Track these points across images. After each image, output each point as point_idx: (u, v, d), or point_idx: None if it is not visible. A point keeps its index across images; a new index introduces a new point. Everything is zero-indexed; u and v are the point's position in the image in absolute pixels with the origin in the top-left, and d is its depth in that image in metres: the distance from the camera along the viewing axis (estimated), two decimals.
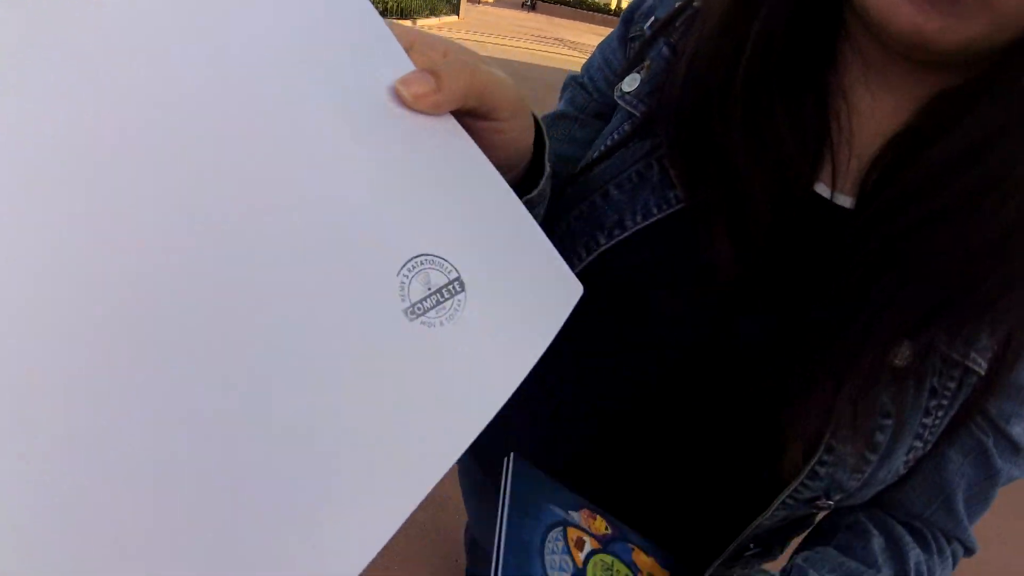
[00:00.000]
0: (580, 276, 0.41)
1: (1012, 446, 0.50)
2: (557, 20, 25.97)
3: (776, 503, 0.50)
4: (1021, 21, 0.38)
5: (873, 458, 0.47)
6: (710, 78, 0.48)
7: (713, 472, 0.54)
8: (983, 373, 0.45)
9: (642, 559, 0.55)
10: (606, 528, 0.55)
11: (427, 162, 0.34)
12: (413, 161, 0.33)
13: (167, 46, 0.26)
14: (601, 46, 0.62)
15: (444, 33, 16.07)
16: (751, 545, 0.56)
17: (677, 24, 0.53)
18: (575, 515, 0.53)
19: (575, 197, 0.55)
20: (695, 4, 0.53)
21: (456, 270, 0.34)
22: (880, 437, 0.46)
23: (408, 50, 0.34)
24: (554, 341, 0.39)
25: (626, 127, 0.54)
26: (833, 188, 0.47)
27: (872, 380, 0.44)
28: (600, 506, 0.55)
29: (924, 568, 0.53)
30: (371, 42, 0.32)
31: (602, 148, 0.55)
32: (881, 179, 0.46)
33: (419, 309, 0.32)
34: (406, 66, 0.33)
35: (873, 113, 0.47)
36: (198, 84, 0.27)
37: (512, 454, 0.52)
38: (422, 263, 0.33)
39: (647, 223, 0.50)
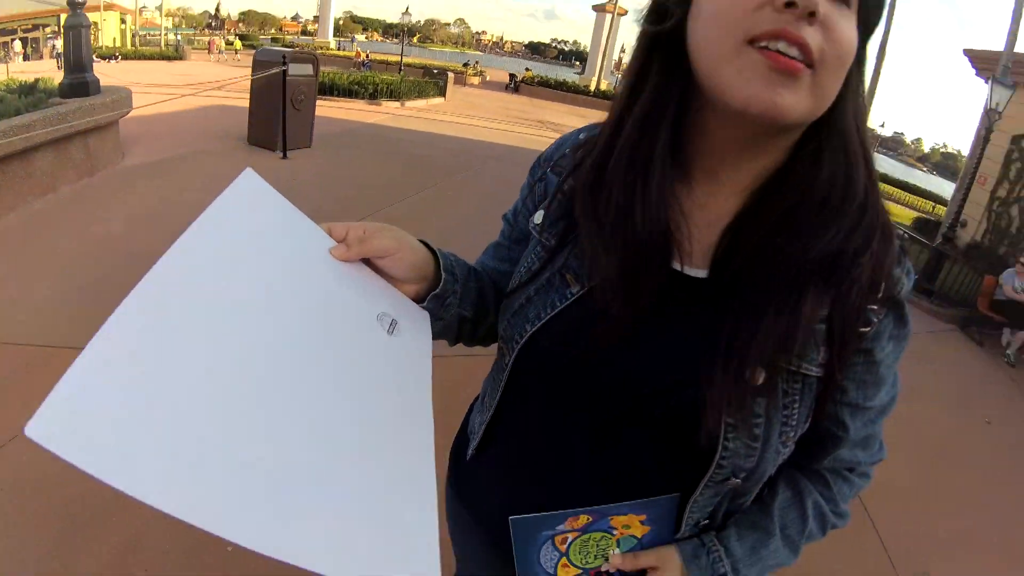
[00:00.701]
0: (521, 351, 0.77)
1: (855, 407, 0.77)
2: (539, 102, 26.90)
3: (700, 486, 0.73)
4: (827, 104, 0.62)
5: (756, 445, 0.69)
6: (587, 197, 0.72)
7: (655, 470, 0.76)
8: (819, 376, 0.69)
9: (619, 520, 0.75)
10: (587, 519, 0.76)
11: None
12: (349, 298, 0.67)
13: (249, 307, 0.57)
14: (521, 189, 0.91)
15: (431, 114, 16.60)
16: (699, 519, 0.79)
17: (570, 164, 0.80)
18: (561, 526, 0.76)
19: (512, 303, 0.81)
20: (581, 137, 0.82)
21: None
22: (757, 431, 0.69)
23: (329, 233, 0.72)
24: (518, 404, 0.83)
25: (540, 251, 0.80)
26: (683, 264, 0.70)
27: (743, 396, 0.66)
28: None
29: (820, 507, 0.83)
30: (319, 238, 0.69)
31: (522, 272, 0.82)
32: (724, 255, 0.68)
33: None
34: (330, 242, 0.69)
35: (713, 202, 0.71)
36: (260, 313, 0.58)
37: (511, 519, 0.77)
38: None
39: (555, 312, 0.75)
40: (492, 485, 0.90)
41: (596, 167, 0.72)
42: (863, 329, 0.70)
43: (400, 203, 6.91)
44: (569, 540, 0.77)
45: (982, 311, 8.15)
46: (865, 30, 0.64)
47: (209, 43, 33.05)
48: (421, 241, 0.78)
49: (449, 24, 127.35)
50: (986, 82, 9.06)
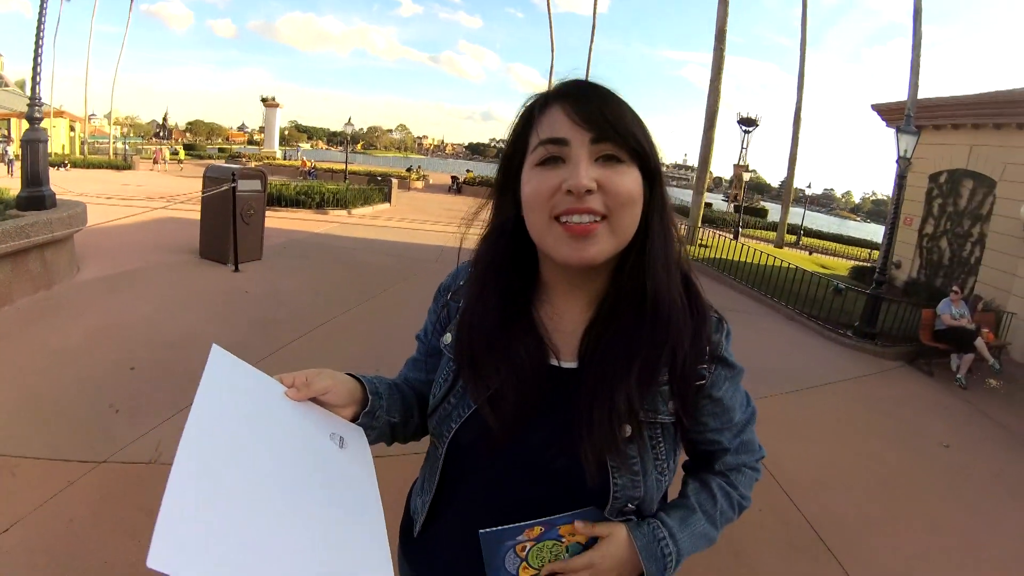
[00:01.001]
0: (450, 444, 1.00)
1: (719, 431, 1.04)
2: (481, 200, 27.39)
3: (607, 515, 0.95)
4: (629, 235, 0.89)
5: (638, 479, 0.93)
6: (474, 326, 0.98)
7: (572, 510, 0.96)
8: (673, 421, 0.95)
9: (565, 529, 0.94)
10: (540, 529, 0.94)
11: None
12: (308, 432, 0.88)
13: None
14: (429, 312, 1.15)
15: (377, 219, 16.96)
16: None
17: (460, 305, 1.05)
18: (520, 536, 0.94)
19: (437, 410, 1.03)
20: (472, 271, 1.06)
21: None
22: (636, 467, 0.93)
23: (281, 381, 0.90)
24: (455, 483, 1.04)
25: (452, 365, 1.02)
26: (560, 360, 0.96)
27: (619, 447, 0.90)
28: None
29: (725, 489, 1.07)
30: (276, 387, 0.90)
31: (441, 382, 1.04)
32: (585, 351, 0.95)
33: None
34: (281, 388, 0.90)
35: (571, 314, 0.99)
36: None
37: (481, 533, 0.94)
38: None
39: (470, 412, 0.98)
40: (442, 552, 1.07)
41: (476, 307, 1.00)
42: (699, 383, 0.97)
43: (353, 310, 7.05)
44: (528, 548, 0.94)
45: (926, 343, 8.51)
46: (648, 171, 0.90)
47: (155, 153, 33.36)
48: (349, 374, 1.01)
49: (391, 130, 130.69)
50: (895, 132, 9.70)
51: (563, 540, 0.94)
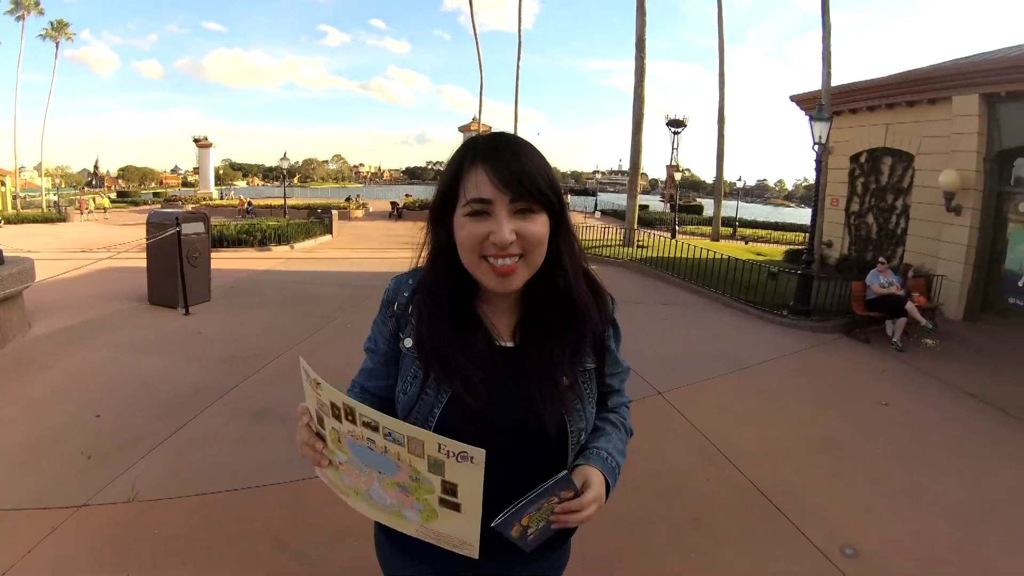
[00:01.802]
0: (437, 425, 1.19)
1: (613, 375, 1.40)
2: (422, 224, 27.39)
3: (571, 451, 1.25)
4: (539, 264, 1.16)
5: (581, 415, 1.25)
6: (435, 334, 1.19)
7: (554, 458, 1.23)
8: (593, 367, 1.29)
9: (547, 505, 1.15)
10: (537, 507, 1.14)
11: None
12: None
13: None
14: (375, 324, 1.33)
15: (321, 251, 16.84)
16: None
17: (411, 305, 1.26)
18: (522, 517, 1.13)
19: (413, 406, 1.22)
20: (411, 283, 1.28)
21: None
22: (579, 408, 1.24)
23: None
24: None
25: (417, 365, 1.22)
26: (503, 340, 1.23)
27: (567, 403, 1.21)
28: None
29: (619, 419, 1.41)
30: None
31: (409, 380, 1.23)
32: (522, 336, 1.23)
33: None
34: None
35: (504, 306, 1.25)
36: None
37: (492, 526, 1.12)
38: None
39: (447, 399, 1.19)
40: None
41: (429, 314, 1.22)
42: (603, 341, 1.31)
43: (305, 341, 7.13)
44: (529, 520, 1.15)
45: (859, 313, 8.97)
46: (553, 211, 1.15)
47: (80, 203, 32.43)
48: None
49: (327, 161, 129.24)
50: (809, 120, 10.23)
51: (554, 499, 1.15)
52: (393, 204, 33.63)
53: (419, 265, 1.29)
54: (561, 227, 1.19)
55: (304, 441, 1.16)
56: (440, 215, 1.19)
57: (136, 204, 39.18)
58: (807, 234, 12.28)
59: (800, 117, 15.07)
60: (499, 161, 1.10)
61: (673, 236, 20.94)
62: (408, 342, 1.25)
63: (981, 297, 10.54)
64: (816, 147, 10.18)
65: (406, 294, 1.27)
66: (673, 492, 4.04)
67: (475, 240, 1.10)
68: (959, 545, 3.70)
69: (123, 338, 6.82)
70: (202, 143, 45.66)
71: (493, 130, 1.40)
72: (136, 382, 5.44)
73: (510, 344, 1.23)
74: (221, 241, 15.30)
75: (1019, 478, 4.70)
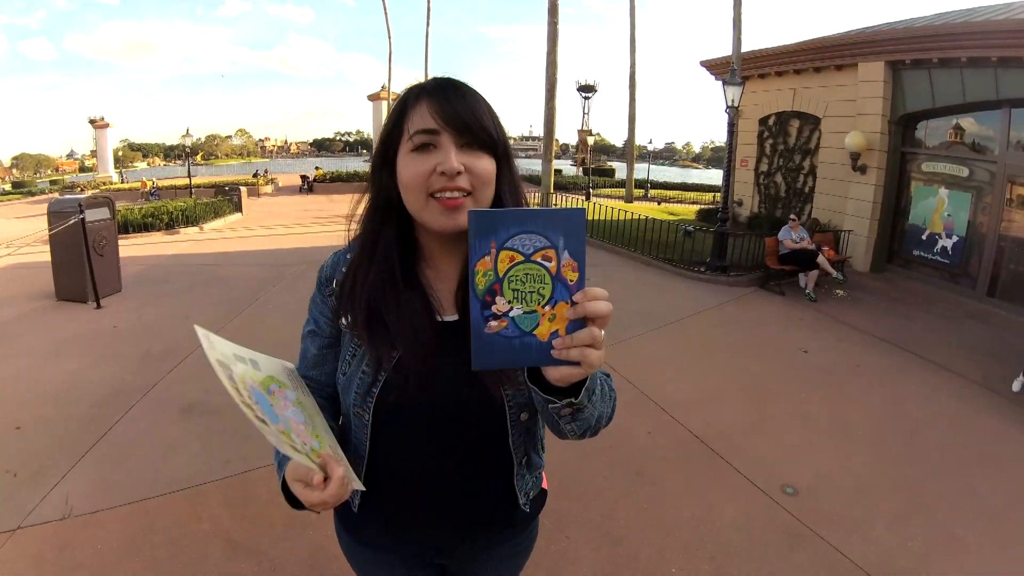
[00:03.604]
0: (375, 411, 1.15)
1: None
2: (335, 196, 26.77)
3: (511, 428, 1.18)
4: (489, 200, 1.09)
5: (524, 388, 1.12)
6: (371, 282, 1.11)
7: (493, 431, 1.18)
8: None
9: (546, 254, 0.83)
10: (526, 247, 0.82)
11: None
12: None
13: None
14: (313, 304, 1.25)
15: (232, 232, 16.24)
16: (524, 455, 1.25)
17: (348, 281, 1.16)
18: (512, 232, 0.80)
19: (351, 384, 1.18)
20: (349, 256, 1.20)
21: None
22: (521, 380, 1.11)
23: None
24: (386, 448, 1.19)
25: (356, 344, 1.16)
26: (443, 315, 1.13)
27: (509, 374, 1.12)
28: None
29: (603, 380, 1.17)
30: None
31: (348, 358, 1.19)
32: (462, 303, 1.12)
33: None
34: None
35: (448, 271, 1.16)
36: None
37: (471, 211, 0.79)
38: None
39: (385, 377, 1.13)
40: (398, 509, 1.24)
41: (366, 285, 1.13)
42: None
43: (228, 325, 6.97)
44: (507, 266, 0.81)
45: (773, 267, 9.41)
46: (497, 154, 1.10)
47: None
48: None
49: (231, 136, 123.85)
50: (722, 84, 10.52)
51: (546, 266, 0.82)
52: (303, 177, 32.53)
53: (353, 240, 1.21)
54: (505, 172, 1.13)
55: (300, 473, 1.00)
56: (383, 159, 1.13)
57: (32, 194, 36.41)
58: (717, 194, 12.62)
59: (709, 82, 15.42)
60: (444, 97, 1.06)
61: (588, 199, 21.23)
62: (345, 319, 1.17)
63: (887, 250, 11.20)
64: (728, 110, 10.50)
65: (343, 268, 1.20)
66: (615, 447, 4.16)
67: (422, 175, 1.04)
68: (885, 472, 4.03)
69: (34, 341, 6.39)
70: (98, 124, 43.00)
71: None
72: (54, 388, 5.12)
73: (453, 318, 1.14)
74: (126, 227, 14.49)
75: (930, 408, 5.15)
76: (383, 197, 1.13)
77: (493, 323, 0.82)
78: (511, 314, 0.82)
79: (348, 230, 1.22)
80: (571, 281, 0.82)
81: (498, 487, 1.25)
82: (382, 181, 1.13)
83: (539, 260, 0.80)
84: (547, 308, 0.82)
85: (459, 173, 1.02)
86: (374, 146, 1.16)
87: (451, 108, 1.04)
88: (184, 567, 2.98)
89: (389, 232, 1.13)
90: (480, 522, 1.26)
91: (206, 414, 4.59)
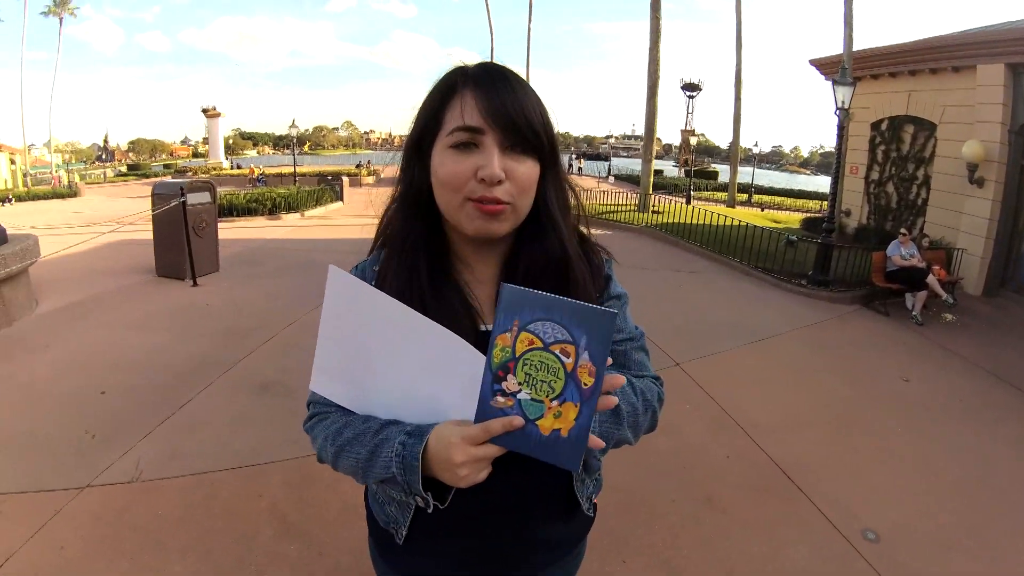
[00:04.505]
0: None
1: (620, 341, 1.17)
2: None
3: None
4: (526, 214, 1.01)
5: None
6: (404, 286, 1.01)
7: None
8: None
9: (564, 348, 0.83)
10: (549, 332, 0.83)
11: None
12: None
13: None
14: None
15: (331, 220, 16.68)
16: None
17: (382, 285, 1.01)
18: (537, 316, 0.82)
19: None
20: (375, 268, 1.11)
21: None
22: None
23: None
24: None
25: None
26: (486, 322, 1.03)
27: None
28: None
29: (644, 387, 1.13)
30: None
31: None
32: None
33: None
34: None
35: (486, 275, 1.08)
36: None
37: (504, 285, 0.81)
38: None
39: None
40: (447, 546, 1.10)
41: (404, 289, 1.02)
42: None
43: (314, 310, 7.00)
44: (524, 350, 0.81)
45: (879, 284, 8.76)
46: (541, 153, 1.00)
47: (53, 179, 32.20)
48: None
49: (337, 128, 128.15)
50: (832, 84, 9.94)
51: (561, 358, 0.80)
52: None
53: (379, 247, 1.15)
54: (551, 175, 1.04)
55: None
56: (416, 150, 1.03)
57: (146, 176, 38.81)
58: (824, 202, 12.04)
59: (819, 82, 14.70)
60: (492, 89, 0.95)
61: (688, 202, 20.64)
62: None
63: (1002, 273, 10.24)
64: (838, 112, 9.90)
65: (372, 282, 1.05)
66: (688, 468, 3.93)
67: (460, 177, 0.95)
68: (973, 530, 3.60)
69: (130, 312, 6.75)
70: (211, 113, 45.47)
71: None
72: (142, 357, 5.37)
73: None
74: (231, 210, 15.22)
75: None
76: (413, 192, 1.05)
77: (500, 399, 0.82)
78: (519, 396, 0.82)
79: (377, 238, 1.17)
80: (585, 384, 0.79)
81: (558, 497, 1.15)
82: (414, 174, 1.04)
83: (557, 352, 0.80)
84: (555, 403, 0.81)
85: (500, 182, 0.94)
86: (407, 135, 1.06)
87: (499, 102, 0.94)
88: (234, 542, 3.02)
89: (421, 228, 1.04)
90: (541, 538, 1.14)
91: (280, 394, 4.69)
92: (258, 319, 6.57)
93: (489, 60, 1.04)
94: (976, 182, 10.23)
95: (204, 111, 46.78)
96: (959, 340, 7.58)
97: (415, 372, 0.93)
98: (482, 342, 0.91)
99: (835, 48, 13.08)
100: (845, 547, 3.31)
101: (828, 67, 13.84)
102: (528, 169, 0.97)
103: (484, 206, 0.94)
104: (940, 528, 3.58)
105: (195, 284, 8.01)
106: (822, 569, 3.16)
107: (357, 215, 17.76)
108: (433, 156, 0.99)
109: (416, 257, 1.03)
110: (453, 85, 0.98)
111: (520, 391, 0.81)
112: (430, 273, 1.02)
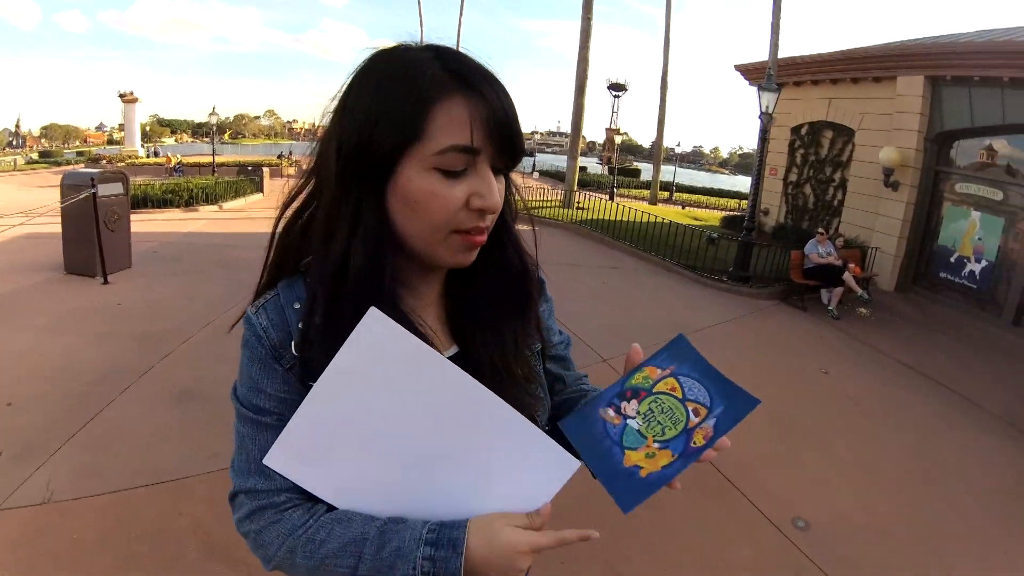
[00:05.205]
0: None
1: (551, 348, 1.12)
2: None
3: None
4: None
5: (545, 401, 1.02)
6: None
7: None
8: (539, 347, 1.04)
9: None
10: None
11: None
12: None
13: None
14: (260, 386, 0.84)
15: (251, 212, 16.18)
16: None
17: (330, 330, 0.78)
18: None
19: None
20: (297, 306, 0.86)
21: None
22: (542, 395, 1.01)
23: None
24: None
25: None
26: (443, 349, 0.91)
27: (527, 389, 0.95)
28: None
29: (582, 379, 1.18)
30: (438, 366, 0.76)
31: None
32: (465, 336, 0.93)
33: None
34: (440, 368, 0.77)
35: (431, 297, 0.94)
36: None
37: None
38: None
39: None
40: None
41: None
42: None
43: (233, 309, 6.74)
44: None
45: (797, 281, 9.13)
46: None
47: None
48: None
49: (259, 117, 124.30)
50: (757, 89, 10.25)
51: (689, 413, 0.82)
52: None
53: (267, 280, 0.93)
54: (509, 188, 0.91)
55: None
56: (367, 164, 0.77)
57: (58, 164, 36.54)
58: (743, 201, 12.40)
59: (742, 87, 15.12)
60: (491, 97, 0.76)
61: (612, 198, 20.99)
62: None
63: (914, 270, 10.84)
64: (761, 116, 10.22)
65: (300, 324, 0.82)
66: None
67: (451, 208, 0.77)
68: (907, 519, 3.78)
69: (36, 315, 6.26)
70: (127, 98, 43.17)
71: None
72: (50, 364, 5.00)
73: (453, 351, 0.92)
74: (145, 202, 14.42)
75: (955, 445, 4.91)
76: (352, 214, 0.79)
77: (611, 411, 0.82)
78: (627, 421, 0.81)
79: (265, 267, 0.93)
80: (694, 443, 0.79)
81: None
82: (361, 202, 0.79)
83: (689, 408, 0.81)
84: (656, 445, 0.80)
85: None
86: (339, 137, 0.80)
87: (502, 117, 0.77)
88: (159, 565, 2.85)
89: (386, 268, 0.81)
90: None
91: (199, 402, 4.45)
92: (173, 321, 6.24)
93: (462, 53, 0.81)
94: (891, 185, 10.75)
95: (121, 96, 44.36)
96: (874, 333, 8.00)
97: (450, 454, 0.78)
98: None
99: (759, 55, 13.42)
100: (781, 540, 3.43)
101: (752, 73, 14.24)
102: (502, 187, 0.84)
103: (473, 238, 0.80)
104: (874, 517, 3.76)
105: (106, 282, 7.54)
106: (762, 562, 3.26)
107: (278, 208, 17.20)
108: (401, 175, 0.77)
109: (376, 288, 0.79)
110: (431, 83, 0.75)
111: (634, 419, 0.81)
112: (386, 310, 0.77)
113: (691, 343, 0.84)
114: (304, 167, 0.91)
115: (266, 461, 0.77)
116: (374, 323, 0.73)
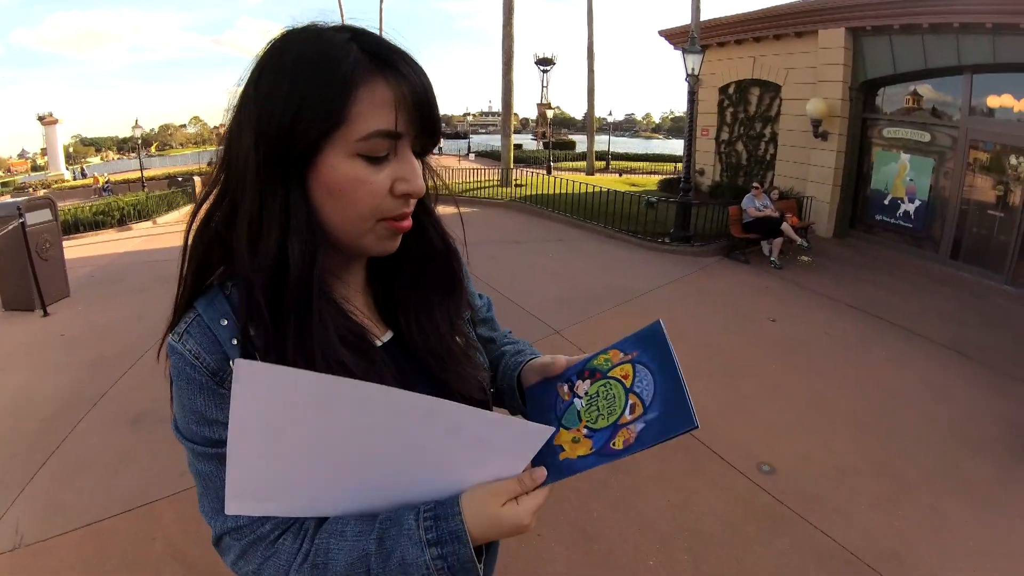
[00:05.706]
0: None
1: (478, 311, 1.14)
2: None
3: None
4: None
5: (486, 364, 1.04)
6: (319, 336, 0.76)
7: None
8: (468, 315, 1.05)
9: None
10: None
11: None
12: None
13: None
14: (201, 414, 0.79)
15: (186, 222, 15.64)
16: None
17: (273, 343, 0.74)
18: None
19: None
20: (224, 323, 0.79)
21: None
22: (481, 359, 1.02)
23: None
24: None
25: None
26: (379, 336, 0.89)
27: (468, 358, 0.97)
28: None
29: (507, 334, 1.23)
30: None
31: None
32: (399, 320, 0.92)
33: None
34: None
35: (358, 283, 0.92)
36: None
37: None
38: None
39: None
40: None
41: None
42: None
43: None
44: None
45: (737, 236, 9.42)
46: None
47: None
48: None
49: (185, 125, 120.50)
50: (682, 53, 10.40)
51: (626, 408, 0.80)
52: None
53: (185, 300, 0.86)
54: (427, 169, 0.88)
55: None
56: (294, 161, 0.74)
57: None
58: (678, 163, 12.63)
59: (668, 52, 15.32)
60: (413, 75, 0.75)
61: (549, 173, 21.09)
62: None
63: (850, 215, 11.24)
64: (688, 79, 10.40)
65: (234, 340, 0.76)
66: None
67: (377, 194, 0.75)
68: (867, 453, 3.97)
69: None
70: (47, 120, 41.53)
71: None
72: (2, 405, 4.84)
73: (388, 336, 0.90)
74: (76, 226, 13.94)
75: (905, 377, 5.16)
76: (280, 209, 0.74)
77: (565, 387, 0.85)
78: (575, 400, 0.83)
79: (183, 274, 0.86)
80: (613, 444, 0.77)
81: None
82: (284, 188, 0.74)
83: (630, 401, 0.79)
84: (584, 431, 0.80)
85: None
86: (255, 127, 0.75)
87: (419, 99, 0.75)
88: None
89: (303, 250, 0.74)
90: None
91: (156, 423, 4.37)
92: (120, 343, 6.08)
93: (377, 35, 0.78)
94: (821, 136, 11.08)
95: (40, 119, 42.67)
96: (817, 279, 8.30)
97: (406, 463, 0.74)
98: (387, 356, 0.85)
99: (682, 19, 13.56)
100: (748, 485, 3.58)
101: (677, 37, 14.44)
102: (420, 168, 0.82)
103: (399, 224, 0.79)
104: (835, 455, 3.94)
105: (46, 314, 7.28)
106: (729, 510, 3.38)
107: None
108: (323, 163, 0.73)
109: (325, 303, 0.77)
110: (353, 66, 0.72)
111: (581, 399, 0.83)
112: (334, 315, 0.79)
113: (665, 333, 0.84)
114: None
115: (228, 512, 0.70)
116: (248, 374, 0.63)
